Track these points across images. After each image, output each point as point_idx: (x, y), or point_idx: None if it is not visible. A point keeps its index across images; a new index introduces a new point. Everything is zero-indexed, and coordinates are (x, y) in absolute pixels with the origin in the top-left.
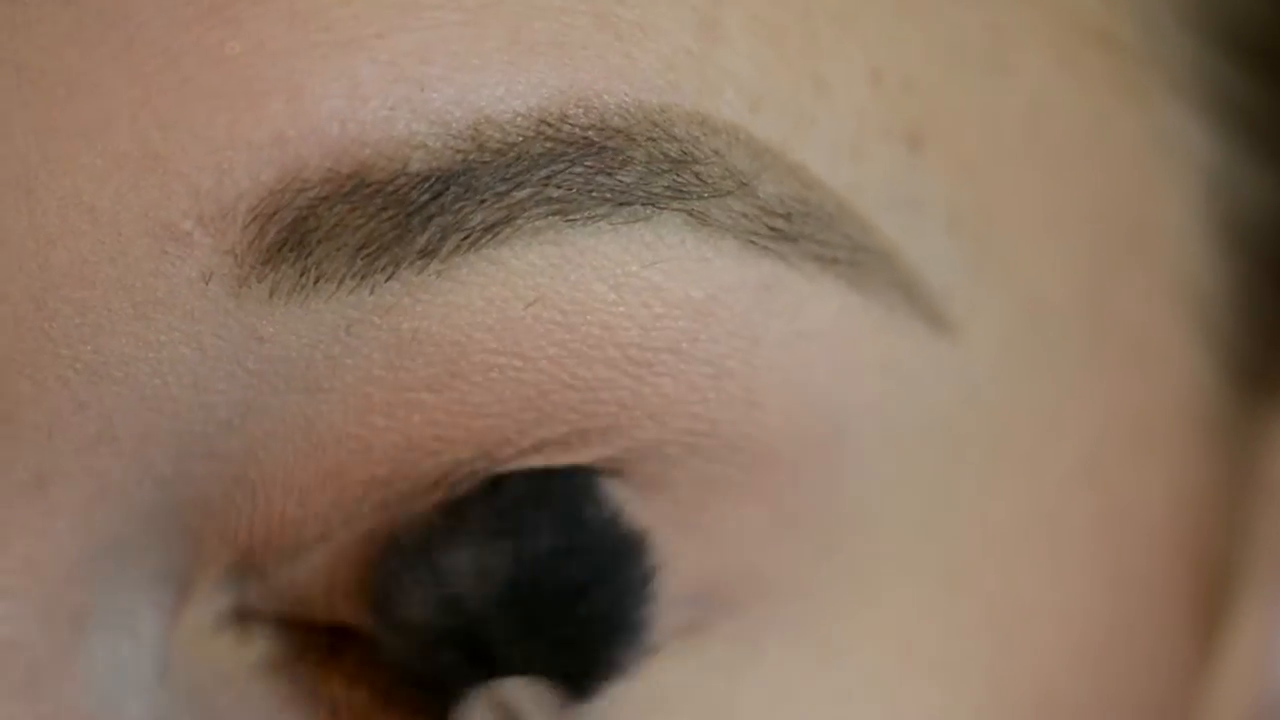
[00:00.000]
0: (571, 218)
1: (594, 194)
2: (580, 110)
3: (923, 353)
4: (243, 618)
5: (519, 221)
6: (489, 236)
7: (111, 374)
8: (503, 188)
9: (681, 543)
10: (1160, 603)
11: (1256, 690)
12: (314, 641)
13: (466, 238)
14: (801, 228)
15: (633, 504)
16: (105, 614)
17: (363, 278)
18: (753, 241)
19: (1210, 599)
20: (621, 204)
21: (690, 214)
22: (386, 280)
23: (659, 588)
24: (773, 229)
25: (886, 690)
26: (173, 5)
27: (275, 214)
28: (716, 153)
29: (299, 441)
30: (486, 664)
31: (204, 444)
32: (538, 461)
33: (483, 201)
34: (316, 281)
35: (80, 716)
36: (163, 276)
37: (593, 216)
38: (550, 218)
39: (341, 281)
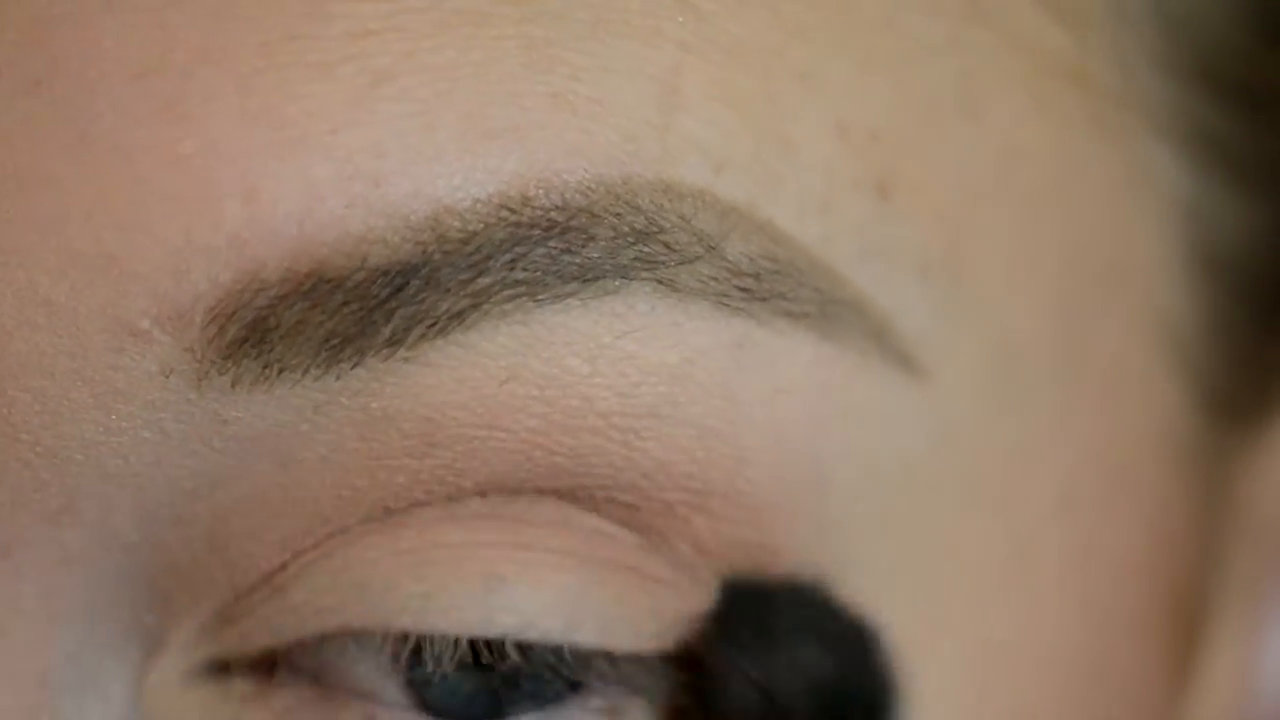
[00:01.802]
0: (539, 297)
1: (560, 273)
2: (541, 191)
3: (895, 398)
4: (216, 670)
5: (485, 307)
6: (456, 323)
7: (73, 456)
8: (466, 276)
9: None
10: (1136, 636)
11: None
12: (290, 687)
13: (433, 325)
14: (771, 286)
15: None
16: (73, 675)
17: (328, 367)
18: (724, 303)
19: (1185, 630)
20: (589, 280)
21: (659, 282)
22: (353, 368)
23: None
24: (742, 289)
25: None
26: (125, 100)
27: (234, 314)
28: (683, 218)
29: (275, 503)
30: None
31: (170, 512)
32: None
33: (447, 291)
34: (280, 373)
35: None
36: (122, 370)
37: (560, 295)
38: (518, 299)
39: (306, 371)
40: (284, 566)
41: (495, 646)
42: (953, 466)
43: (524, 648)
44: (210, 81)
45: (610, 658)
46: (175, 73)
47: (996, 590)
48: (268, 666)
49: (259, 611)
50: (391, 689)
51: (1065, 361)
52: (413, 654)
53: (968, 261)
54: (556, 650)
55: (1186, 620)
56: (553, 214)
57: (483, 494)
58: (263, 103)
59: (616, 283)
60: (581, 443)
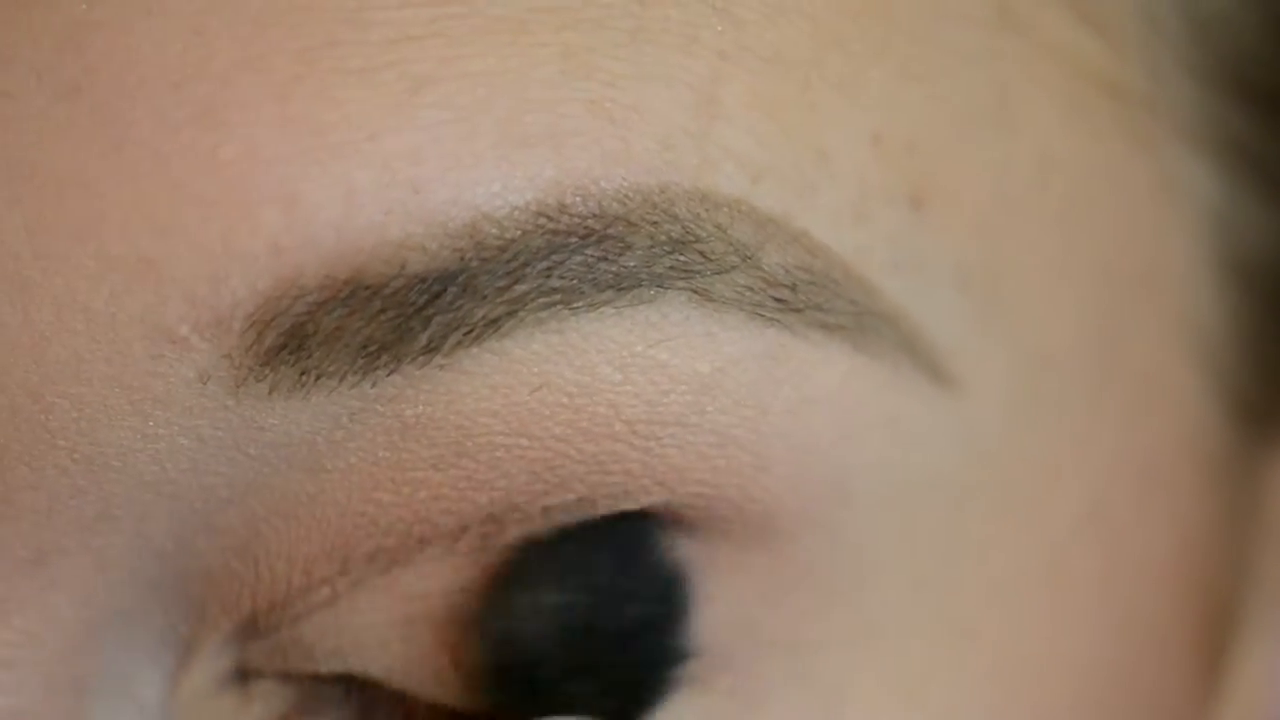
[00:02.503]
0: (575, 305)
1: (596, 281)
2: (578, 199)
3: (927, 409)
4: (244, 677)
5: (521, 314)
6: (491, 330)
7: (109, 463)
8: (503, 283)
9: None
10: (1164, 646)
11: None
12: (315, 692)
13: (469, 332)
14: (806, 297)
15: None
16: (107, 680)
17: (364, 374)
18: (758, 314)
19: (1213, 639)
20: (624, 288)
21: (695, 291)
22: (388, 375)
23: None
24: (778, 300)
25: None
26: (164, 106)
27: (273, 320)
28: (719, 228)
29: (303, 516)
30: (541, 701)
31: (204, 519)
32: (543, 525)
33: (484, 298)
34: (317, 379)
35: None
36: (159, 376)
37: (595, 303)
38: (553, 307)
39: (343, 378)
40: (306, 590)
41: None
42: (983, 478)
43: None
44: (249, 88)
45: None
46: (214, 79)
47: (1026, 602)
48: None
49: (281, 636)
50: None
51: (1098, 371)
52: None
53: (1002, 273)
54: None
55: (1215, 630)
56: (589, 222)
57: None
58: (302, 109)
59: (652, 292)
60: (601, 449)
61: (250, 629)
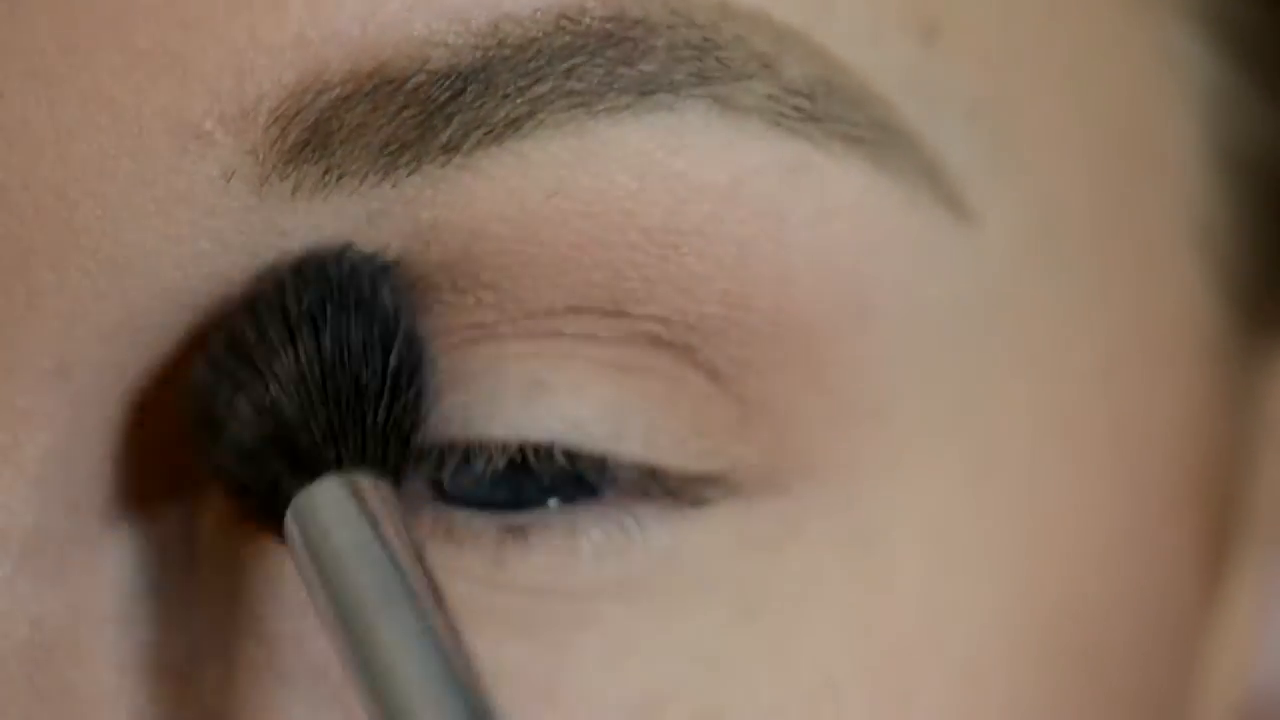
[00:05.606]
0: (594, 109)
1: (616, 85)
2: (598, 2)
3: (944, 237)
4: None
5: (541, 115)
6: (511, 131)
7: (133, 266)
8: (523, 83)
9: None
10: (1172, 522)
11: (1257, 635)
12: None
13: (489, 132)
14: (826, 107)
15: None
16: (132, 505)
17: (386, 173)
18: (778, 123)
19: (1215, 533)
20: (644, 93)
21: (714, 99)
22: (409, 175)
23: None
24: (798, 109)
25: (917, 582)
26: None
27: (297, 115)
28: (738, 37)
29: None
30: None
31: None
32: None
33: (505, 97)
34: (339, 178)
35: (110, 607)
36: (184, 173)
37: (615, 107)
38: (573, 110)
39: (364, 177)
40: None
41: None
42: (998, 316)
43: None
44: None
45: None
46: None
47: (1043, 447)
48: None
49: None
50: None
51: (1103, 231)
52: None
53: (1011, 112)
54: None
55: (1217, 524)
56: (609, 24)
57: (513, 317)
58: None
59: (671, 98)
60: (617, 256)
61: None
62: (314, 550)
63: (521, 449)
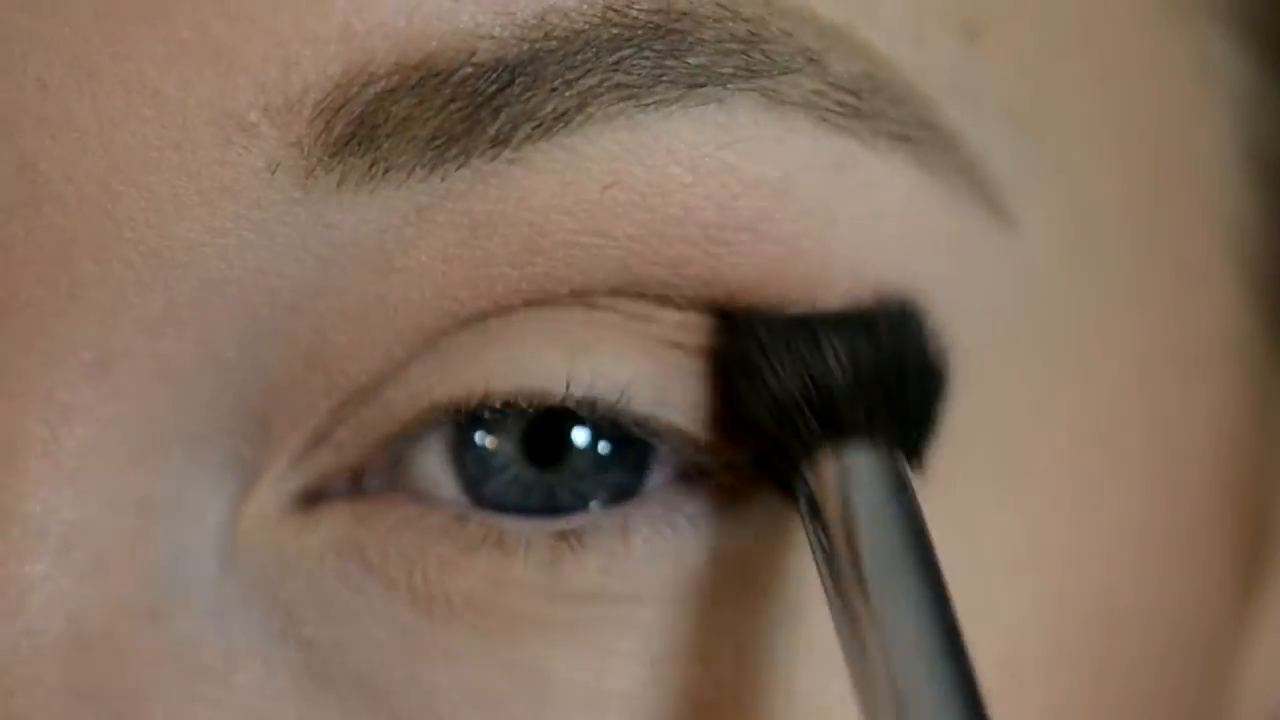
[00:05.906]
0: (643, 103)
1: (664, 78)
2: None
3: (985, 240)
4: (309, 500)
5: (590, 109)
6: (561, 124)
7: (176, 258)
8: (571, 75)
9: None
10: (1208, 530)
11: None
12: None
13: (538, 126)
14: (872, 104)
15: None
16: (171, 502)
17: (433, 167)
18: (825, 119)
19: (1248, 543)
20: (692, 86)
21: (762, 93)
22: (458, 169)
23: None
24: (844, 105)
25: (953, 582)
26: None
27: (342, 107)
28: (784, 31)
29: (373, 318)
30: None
31: (269, 326)
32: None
33: (552, 90)
34: (386, 172)
35: (146, 604)
36: (228, 165)
37: (664, 100)
38: (622, 103)
39: (411, 171)
40: (381, 377)
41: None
42: (1037, 320)
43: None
44: None
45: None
46: None
47: (1081, 452)
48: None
49: (352, 420)
50: (449, 486)
51: (1139, 235)
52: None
53: (1050, 116)
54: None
55: (1251, 533)
56: (656, 17)
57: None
58: None
59: (719, 91)
60: (676, 253)
61: (315, 438)
62: (850, 508)
63: (564, 402)
